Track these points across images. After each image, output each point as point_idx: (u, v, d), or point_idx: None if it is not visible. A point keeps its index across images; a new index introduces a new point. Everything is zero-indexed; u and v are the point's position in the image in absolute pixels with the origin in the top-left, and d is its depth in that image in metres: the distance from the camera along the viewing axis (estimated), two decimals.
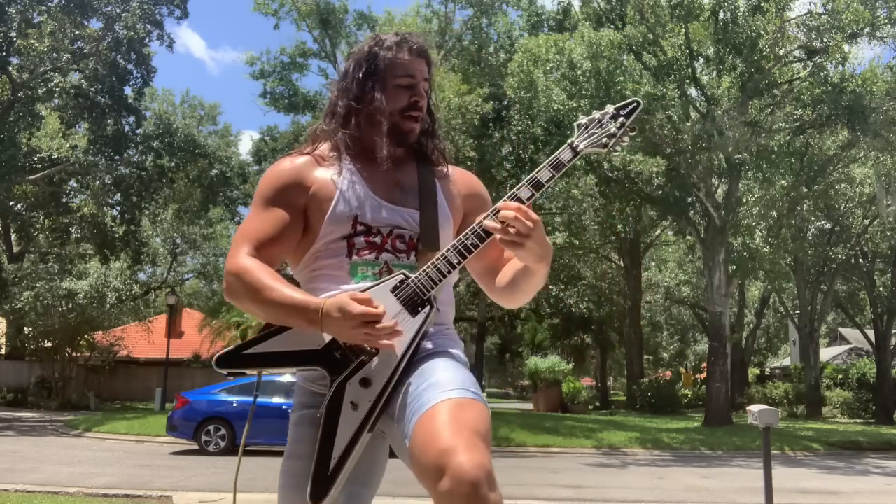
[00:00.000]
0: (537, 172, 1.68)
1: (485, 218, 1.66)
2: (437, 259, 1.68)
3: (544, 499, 8.35)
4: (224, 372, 1.73)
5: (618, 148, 1.73)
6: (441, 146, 1.94)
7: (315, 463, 1.62)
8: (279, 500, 1.76)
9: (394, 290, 1.66)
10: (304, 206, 1.79)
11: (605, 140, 1.73)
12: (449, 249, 1.68)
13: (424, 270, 1.67)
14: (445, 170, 1.93)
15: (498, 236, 1.63)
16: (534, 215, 1.61)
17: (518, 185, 1.68)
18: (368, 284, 1.69)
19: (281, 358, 1.70)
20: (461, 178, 1.96)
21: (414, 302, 1.66)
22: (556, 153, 1.70)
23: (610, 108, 1.77)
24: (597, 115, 1.77)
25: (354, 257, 1.77)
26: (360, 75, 1.83)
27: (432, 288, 1.67)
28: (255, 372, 1.74)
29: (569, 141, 1.73)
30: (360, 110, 1.84)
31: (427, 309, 1.66)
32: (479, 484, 1.35)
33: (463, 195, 1.93)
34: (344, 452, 1.61)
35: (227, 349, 1.73)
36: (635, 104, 1.77)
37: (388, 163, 1.82)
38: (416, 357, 1.67)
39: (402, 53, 1.83)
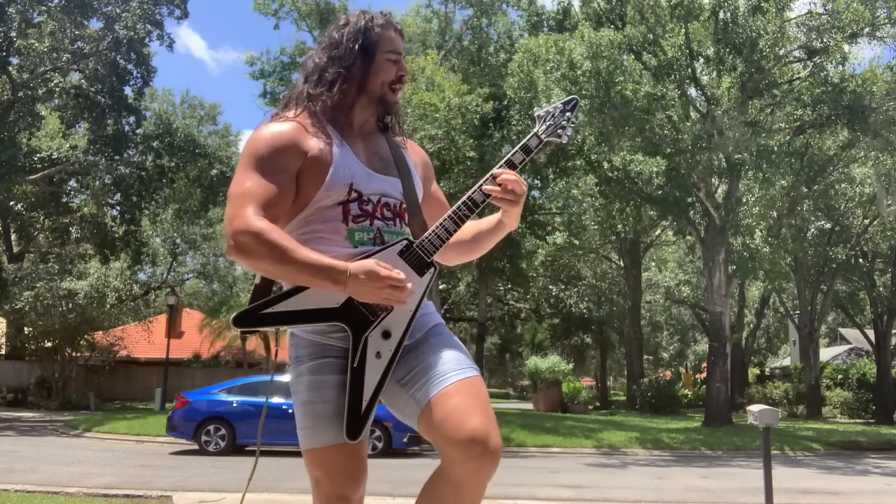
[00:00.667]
0: (511, 155, 1.97)
1: (480, 186, 1.92)
2: (437, 227, 1.90)
3: (544, 499, 8.35)
4: (240, 330, 1.83)
5: (565, 138, 2.03)
6: (400, 121, 2.14)
7: (348, 406, 1.83)
8: (307, 439, 1.90)
9: (400, 253, 1.87)
10: (298, 171, 1.88)
11: (558, 132, 2.03)
12: (446, 219, 1.90)
13: (427, 237, 1.89)
14: (404, 141, 2.12)
15: (498, 196, 1.91)
16: (524, 182, 1.95)
17: (497, 165, 1.96)
18: (375, 249, 1.87)
19: (301, 316, 1.84)
20: (415, 150, 2.17)
21: (420, 264, 1.88)
22: (525, 140, 2.00)
23: (559, 104, 2.06)
24: (550, 108, 2.06)
25: (351, 224, 1.90)
26: (355, 47, 1.96)
27: (434, 252, 1.89)
28: (272, 328, 1.88)
29: (534, 130, 2.02)
30: (349, 78, 1.95)
31: (432, 270, 1.90)
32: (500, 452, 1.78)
33: (421, 165, 2.15)
34: (374, 394, 1.85)
35: (245, 308, 1.83)
36: (575, 101, 2.08)
37: (365, 131, 2.01)
38: (419, 315, 1.91)
39: (389, 31, 2.01)
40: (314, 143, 1.89)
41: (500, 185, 1.91)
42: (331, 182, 1.87)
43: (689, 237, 24.47)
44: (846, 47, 18.30)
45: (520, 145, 1.98)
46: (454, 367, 1.83)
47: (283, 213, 1.88)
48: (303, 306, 1.82)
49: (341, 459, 1.86)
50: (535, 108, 2.09)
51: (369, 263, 1.75)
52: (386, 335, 1.85)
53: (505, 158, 1.96)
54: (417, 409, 1.80)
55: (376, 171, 1.96)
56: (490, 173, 1.94)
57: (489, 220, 2.07)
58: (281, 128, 1.90)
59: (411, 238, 1.90)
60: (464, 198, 1.91)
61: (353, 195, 1.90)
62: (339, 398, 1.85)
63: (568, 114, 2.04)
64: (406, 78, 2.04)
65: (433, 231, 1.89)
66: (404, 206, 1.99)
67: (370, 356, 1.84)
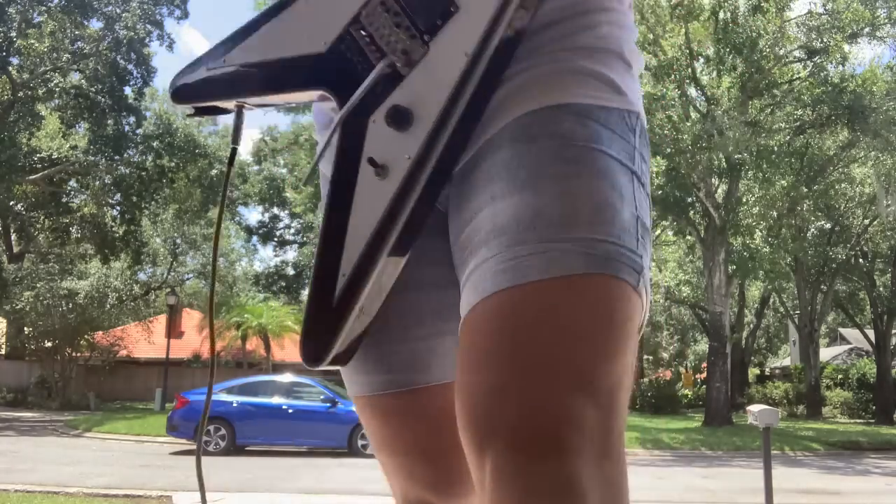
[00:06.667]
0: None
1: None
2: None
3: None
4: (184, 107, 0.97)
5: None
6: None
7: (313, 281, 0.82)
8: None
9: None
10: None
11: None
12: None
13: None
14: None
15: None
16: None
17: None
18: None
19: (266, 74, 0.89)
20: None
21: None
22: None
23: None
24: None
25: None
26: None
27: None
28: (231, 105, 0.97)
29: None
30: None
31: None
32: None
33: None
34: (360, 261, 0.79)
35: (184, 70, 0.95)
36: None
37: None
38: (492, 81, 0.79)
39: None
40: None
41: None
42: None
43: (689, 237, 24.47)
44: (846, 47, 18.32)
45: None
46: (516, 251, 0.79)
47: None
48: (273, 54, 0.87)
49: (366, 413, 0.93)
50: None
51: None
52: (401, 117, 0.77)
53: None
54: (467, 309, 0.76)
55: None
56: None
57: None
58: None
59: None
60: None
61: None
62: None
63: None
64: None
65: None
66: None
67: (363, 166, 0.80)
